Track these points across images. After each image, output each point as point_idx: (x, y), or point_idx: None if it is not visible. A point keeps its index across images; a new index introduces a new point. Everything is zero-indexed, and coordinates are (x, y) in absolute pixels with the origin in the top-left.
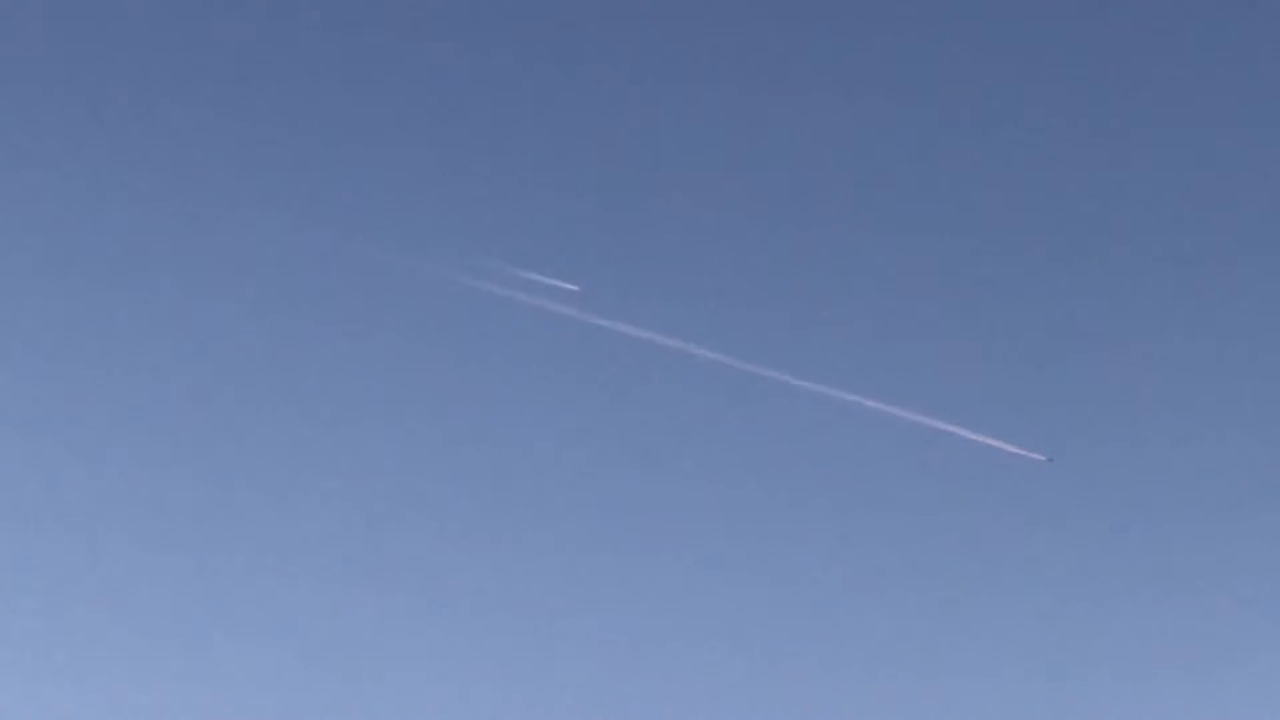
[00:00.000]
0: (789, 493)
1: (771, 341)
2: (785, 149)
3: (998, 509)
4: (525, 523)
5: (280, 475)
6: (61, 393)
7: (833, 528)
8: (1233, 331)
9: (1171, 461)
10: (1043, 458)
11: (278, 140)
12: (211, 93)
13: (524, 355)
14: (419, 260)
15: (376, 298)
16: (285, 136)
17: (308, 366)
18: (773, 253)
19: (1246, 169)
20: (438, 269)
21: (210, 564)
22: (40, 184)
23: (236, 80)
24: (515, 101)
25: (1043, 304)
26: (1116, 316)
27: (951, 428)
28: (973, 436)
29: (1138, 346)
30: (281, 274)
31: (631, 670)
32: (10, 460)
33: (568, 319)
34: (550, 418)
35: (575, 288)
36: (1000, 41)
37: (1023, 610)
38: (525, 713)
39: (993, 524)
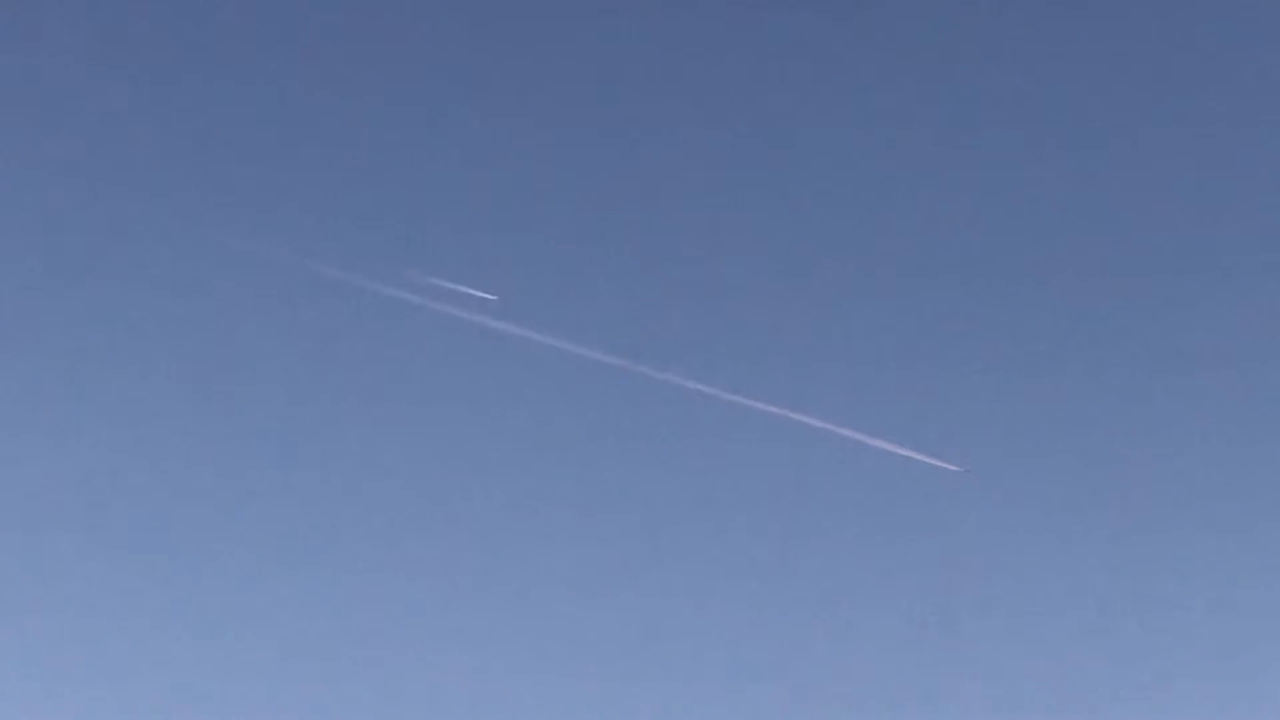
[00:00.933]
0: (701, 502)
1: (688, 352)
2: (706, 156)
3: (911, 519)
4: (432, 534)
5: (181, 490)
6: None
7: (744, 536)
8: (1151, 344)
9: (1087, 470)
10: (957, 468)
11: (190, 143)
12: (121, 93)
13: (439, 364)
14: (333, 267)
15: (287, 304)
16: (198, 138)
17: (214, 375)
18: (690, 263)
19: (1172, 175)
20: (353, 276)
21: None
22: None
23: (151, 81)
24: (432, 109)
25: (956, 314)
26: (1031, 326)
27: (864, 438)
28: (886, 446)
29: (1053, 355)
30: (192, 278)
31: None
32: None
33: (484, 328)
34: (466, 427)
35: (492, 296)
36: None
37: (936, 620)
38: None
39: (906, 534)
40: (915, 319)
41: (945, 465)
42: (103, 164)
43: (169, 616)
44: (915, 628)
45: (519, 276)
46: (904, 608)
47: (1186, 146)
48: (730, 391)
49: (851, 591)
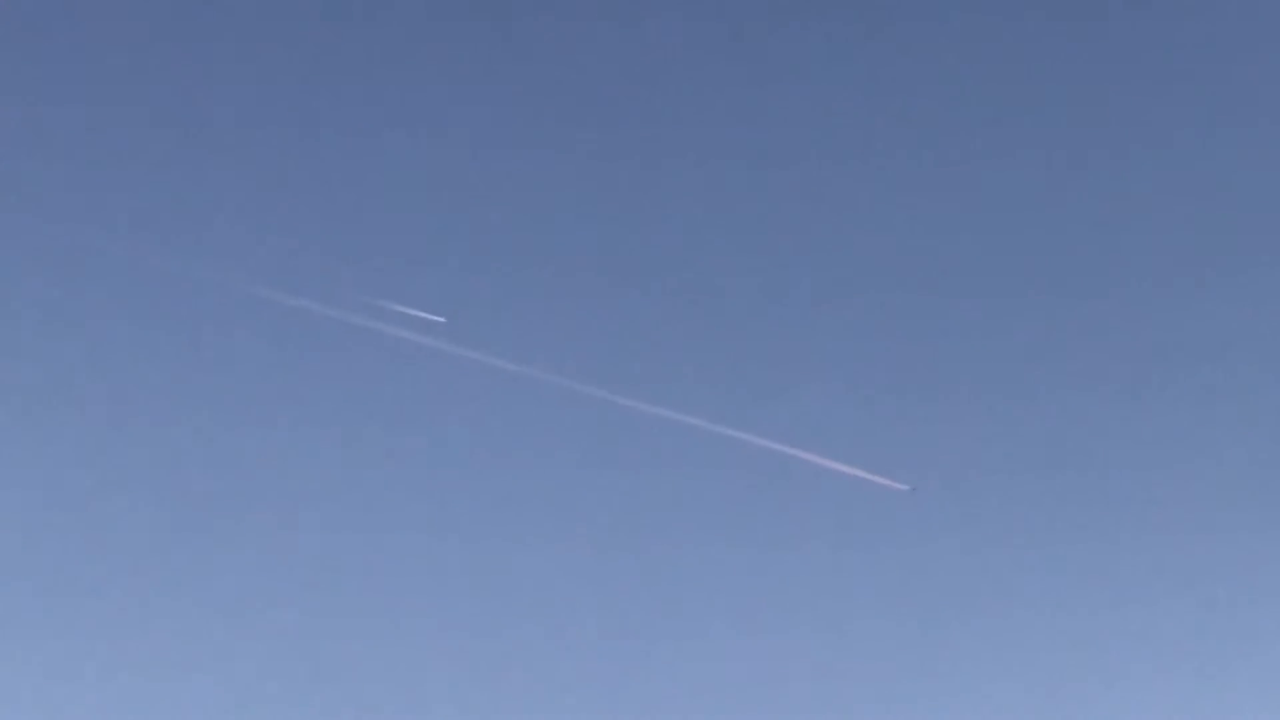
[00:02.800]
0: (647, 523)
1: (636, 373)
2: (655, 177)
3: (858, 538)
4: (383, 555)
5: (127, 511)
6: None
7: (690, 556)
8: (1102, 362)
9: (1033, 489)
10: (904, 487)
11: (138, 163)
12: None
13: (387, 386)
14: (281, 290)
15: (237, 327)
16: (142, 162)
17: (165, 397)
18: (639, 285)
19: (1112, 184)
20: (301, 299)
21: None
22: None
23: (93, 93)
24: (378, 132)
25: (903, 332)
26: (977, 344)
27: (812, 457)
28: (834, 466)
29: (1000, 374)
30: (141, 305)
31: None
32: None
33: (433, 351)
34: (415, 450)
35: (441, 319)
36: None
37: (881, 639)
38: None
39: (854, 553)
40: (864, 339)
41: (893, 485)
42: (40, 187)
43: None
44: (863, 645)
45: (467, 299)
46: (852, 625)
47: (1159, 163)
48: (679, 412)
49: (799, 609)
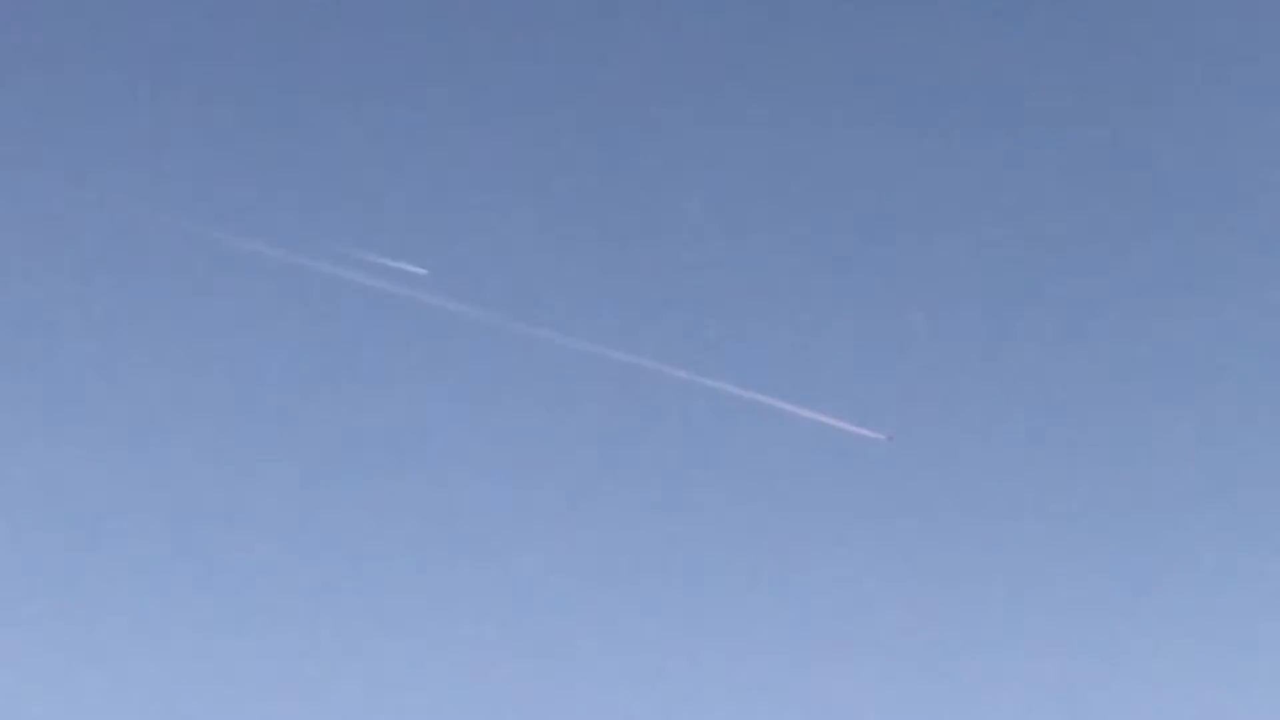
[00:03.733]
0: (625, 472)
1: (615, 321)
2: (638, 131)
3: (837, 489)
4: (366, 511)
5: (111, 473)
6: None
7: (667, 506)
8: (1083, 314)
9: (1015, 443)
10: (883, 436)
11: (122, 120)
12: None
13: (370, 340)
14: (262, 243)
15: (215, 280)
16: (132, 117)
17: (140, 350)
18: (616, 236)
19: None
20: (281, 252)
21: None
22: None
23: (90, 63)
24: (362, 82)
25: (880, 280)
26: (958, 294)
27: (789, 406)
28: (811, 415)
29: (980, 324)
30: (124, 256)
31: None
32: None
33: (415, 303)
34: (396, 402)
35: (423, 271)
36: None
37: (861, 593)
38: None
39: (832, 504)
40: (842, 285)
41: (871, 434)
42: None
43: (141, 612)
44: (840, 601)
45: (450, 251)
46: (830, 580)
47: (1164, 145)
48: (657, 361)
49: (776, 561)
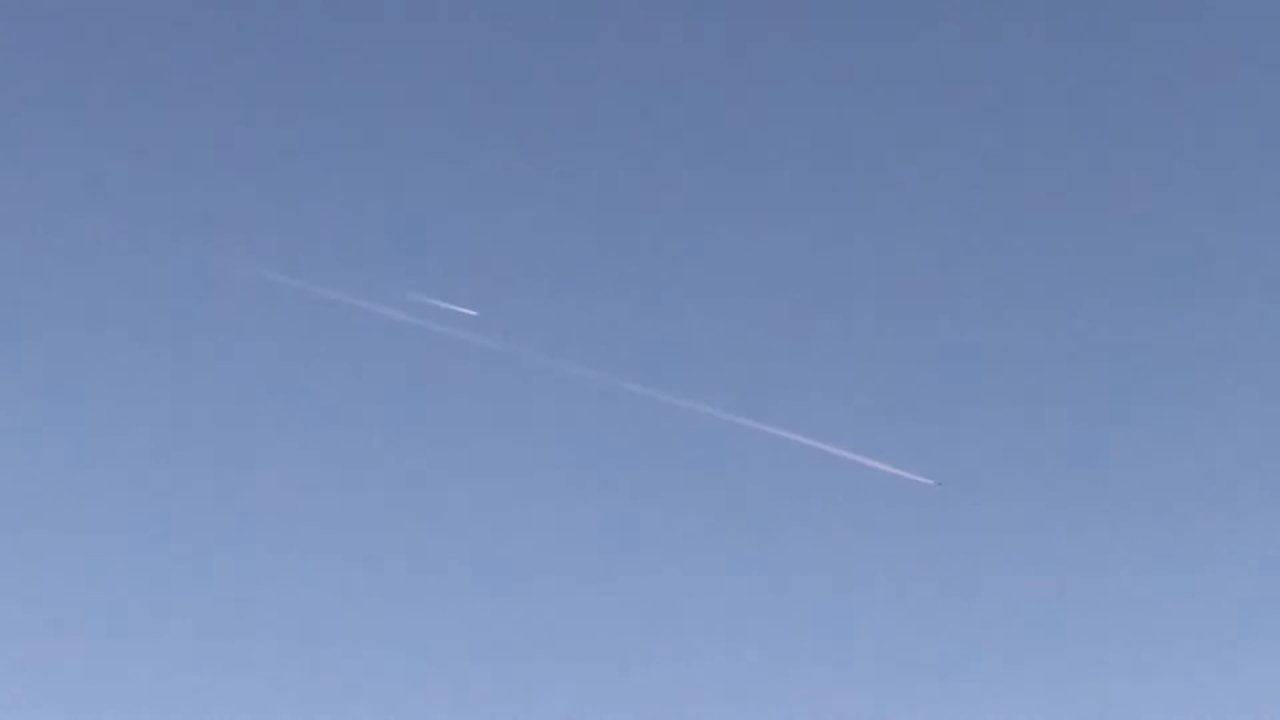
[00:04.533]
0: (679, 515)
1: (667, 366)
2: (687, 172)
3: (886, 533)
4: (420, 550)
5: (171, 498)
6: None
7: (720, 549)
8: (1123, 357)
9: (1061, 487)
10: (931, 482)
11: (180, 166)
12: (110, 114)
13: (421, 379)
14: (315, 283)
15: (270, 320)
16: (189, 163)
17: (202, 388)
18: (669, 279)
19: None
20: (335, 292)
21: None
22: None
23: (136, 98)
24: (415, 124)
25: (934, 328)
26: (1008, 340)
27: (840, 451)
28: (861, 460)
29: (1030, 369)
30: (179, 295)
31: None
32: None
33: (465, 343)
34: (446, 442)
35: (473, 313)
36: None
37: (911, 635)
38: None
39: (880, 548)
40: (893, 333)
41: (919, 479)
42: (100, 188)
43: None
44: (887, 643)
45: (499, 293)
46: (877, 621)
47: (1178, 154)
48: (708, 405)
49: (824, 604)
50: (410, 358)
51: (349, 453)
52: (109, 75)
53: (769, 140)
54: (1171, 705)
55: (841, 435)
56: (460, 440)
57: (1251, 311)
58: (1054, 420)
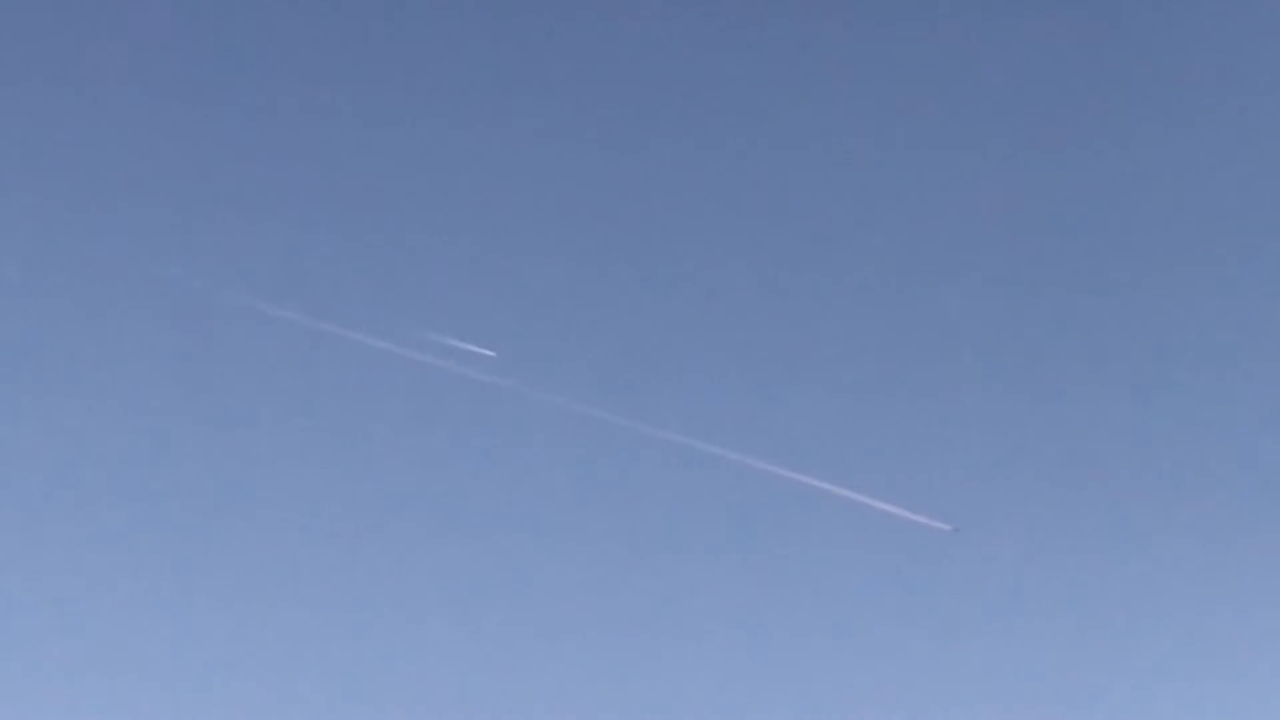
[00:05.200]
0: (691, 558)
1: (683, 407)
2: (701, 214)
3: (900, 579)
4: (435, 595)
5: (189, 536)
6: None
7: (730, 592)
8: (1140, 393)
9: (1079, 532)
10: (948, 527)
11: (188, 195)
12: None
13: (437, 420)
14: (329, 322)
15: (285, 357)
16: (195, 191)
17: (209, 429)
18: (685, 320)
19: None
20: (350, 331)
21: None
22: None
23: (149, 124)
24: (429, 159)
25: (950, 368)
26: (1023, 384)
27: (854, 495)
28: (876, 504)
29: (1046, 413)
30: (186, 332)
31: None
32: None
33: (482, 384)
34: (463, 484)
35: (491, 353)
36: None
37: (925, 683)
38: None
39: (894, 596)
40: (907, 374)
41: (936, 525)
42: (109, 217)
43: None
44: (904, 692)
45: (517, 333)
46: (894, 668)
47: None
48: (723, 447)
49: (841, 651)
50: (424, 398)
51: (361, 493)
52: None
53: (806, 186)
54: None
55: (853, 477)
56: (476, 482)
57: None
58: (1084, 464)
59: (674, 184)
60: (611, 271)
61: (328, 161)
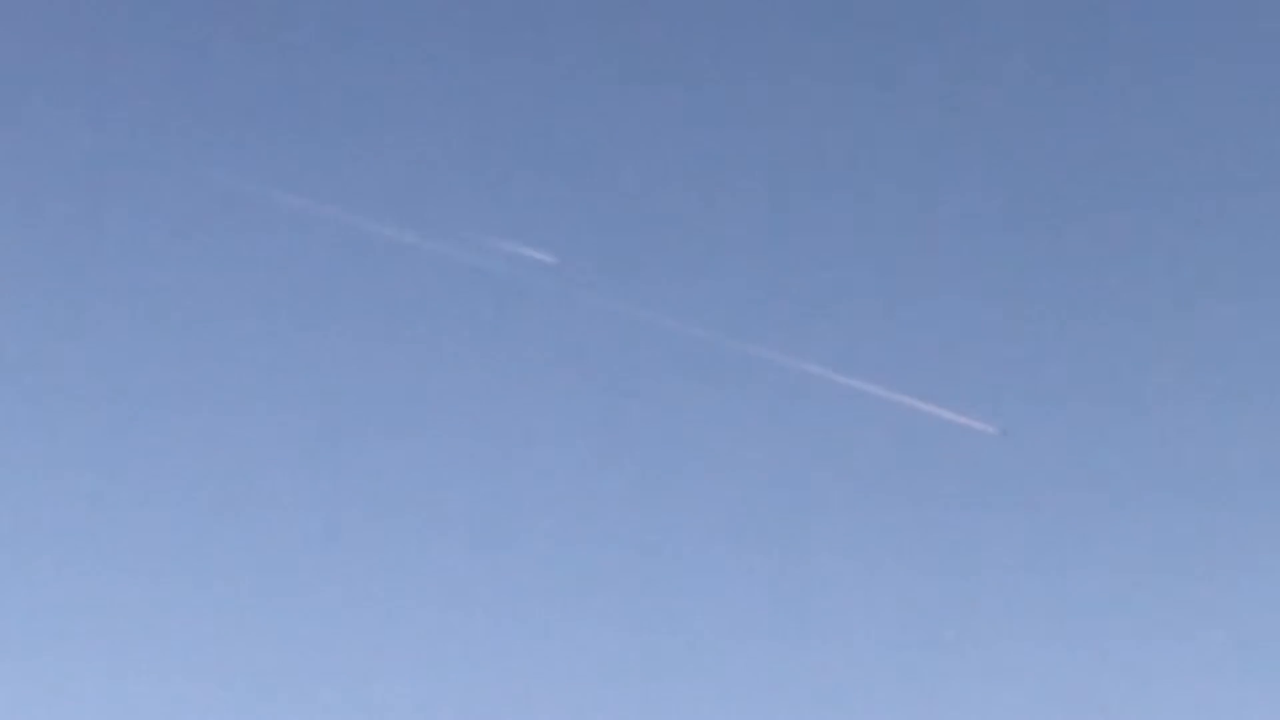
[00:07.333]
0: (733, 462)
1: (741, 313)
2: (763, 127)
3: (945, 482)
4: (498, 505)
5: (239, 456)
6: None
7: (766, 497)
8: (1189, 308)
9: (1126, 437)
10: (993, 430)
11: (257, 110)
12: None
13: (496, 329)
14: (386, 226)
15: (338, 265)
16: (265, 108)
17: (265, 338)
18: (739, 226)
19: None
20: (407, 235)
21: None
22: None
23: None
24: (490, 68)
25: (996, 271)
26: (1073, 285)
27: (898, 396)
28: (920, 405)
29: (1095, 316)
30: (243, 235)
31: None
32: None
33: (543, 291)
34: (524, 393)
35: (551, 259)
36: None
37: (969, 588)
38: None
39: (939, 497)
40: (947, 267)
41: (981, 426)
42: (148, 120)
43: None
44: (945, 598)
45: (579, 239)
46: (935, 579)
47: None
48: (759, 347)
49: (877, 558)
50: (482, 304)
51: (419, 399)
52: None
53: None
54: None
55: (895, 377)
56: (535, 390)
57: None
58: (1135, 368)
59: (730, 103)
60: (675, 178)
61: (382, 58)
